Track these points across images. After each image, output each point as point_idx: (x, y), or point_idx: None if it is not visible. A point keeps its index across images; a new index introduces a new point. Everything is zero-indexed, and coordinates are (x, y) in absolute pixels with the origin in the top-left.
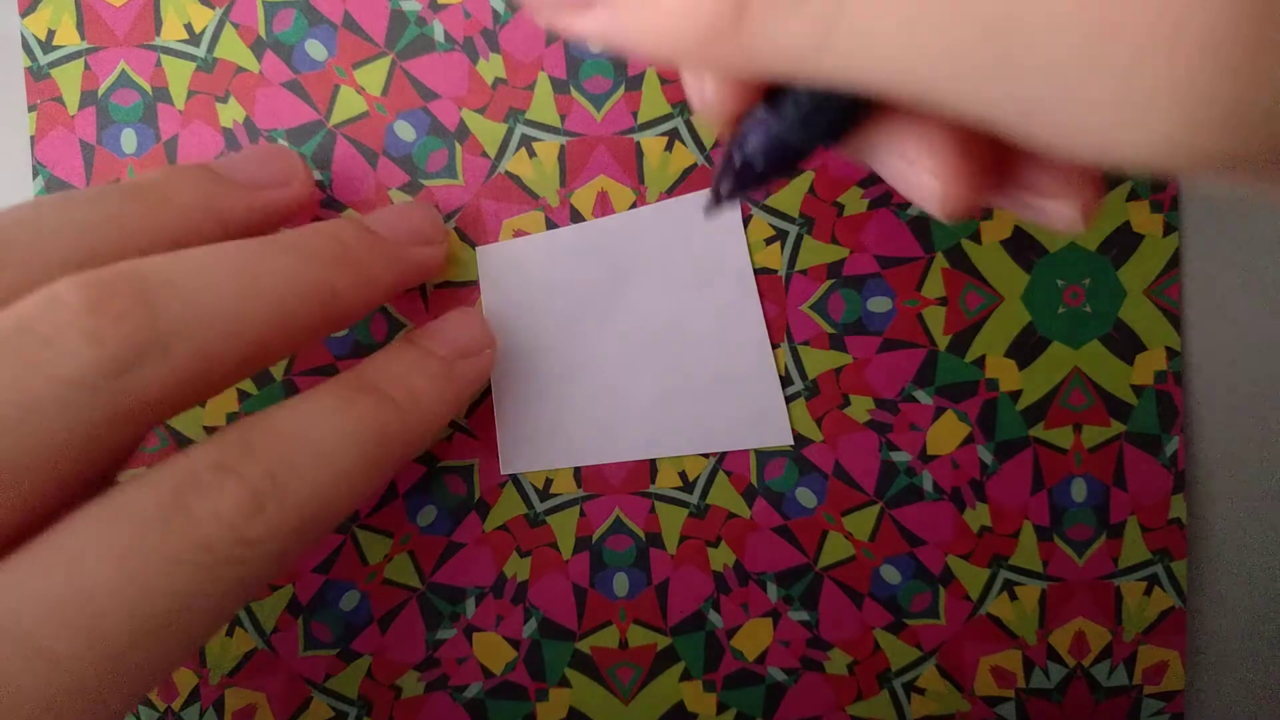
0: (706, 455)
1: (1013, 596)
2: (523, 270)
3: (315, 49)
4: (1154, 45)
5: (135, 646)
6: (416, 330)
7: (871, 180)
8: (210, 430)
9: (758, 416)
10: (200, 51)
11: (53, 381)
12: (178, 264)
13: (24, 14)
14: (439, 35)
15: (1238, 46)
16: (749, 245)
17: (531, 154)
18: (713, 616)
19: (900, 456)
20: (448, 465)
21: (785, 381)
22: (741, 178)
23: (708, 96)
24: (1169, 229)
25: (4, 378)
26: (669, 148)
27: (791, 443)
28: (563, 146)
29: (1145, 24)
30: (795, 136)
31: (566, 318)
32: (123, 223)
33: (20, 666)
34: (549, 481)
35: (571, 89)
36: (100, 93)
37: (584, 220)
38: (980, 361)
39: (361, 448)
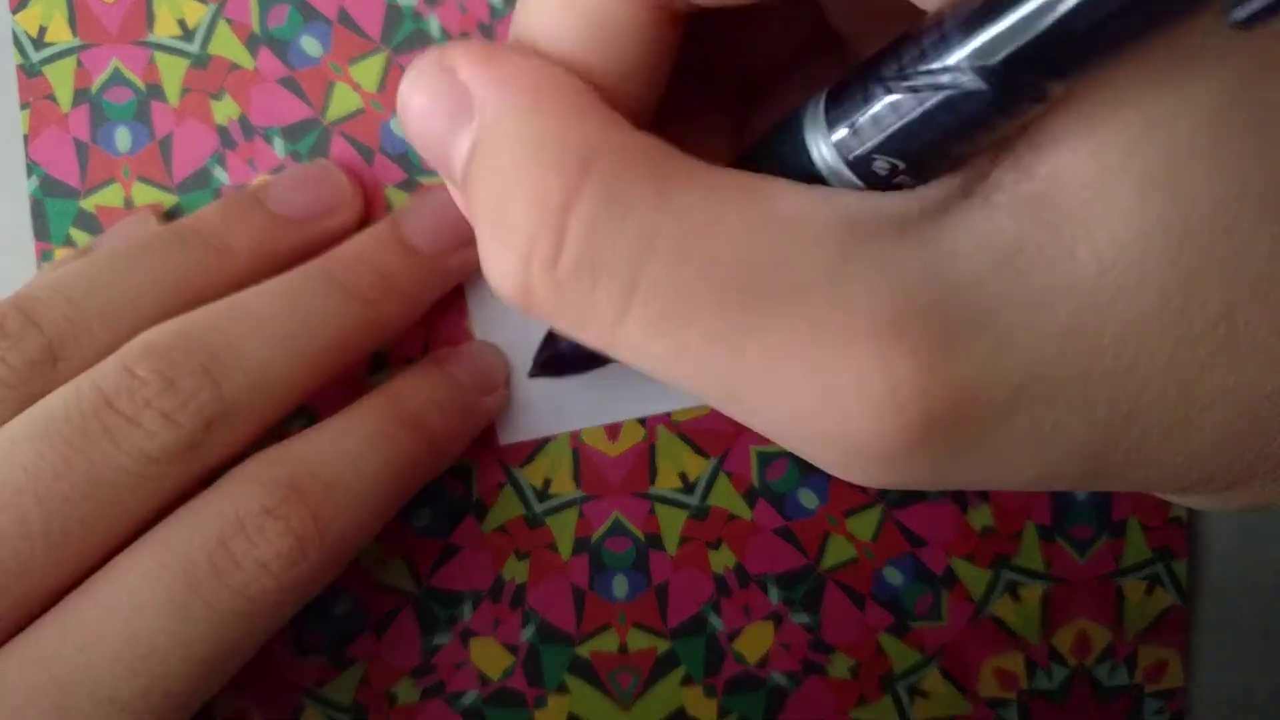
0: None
1: (1015, 597)
2: None
3: (310, 45)
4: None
5: (189, 692)
6: (446, 356)
7: None
8: None
9: None
10: (194, 48)
11: (134, 458)
12: (236, 322)
13: (15, 11)
14: (435, 30)
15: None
16: None
17: None
18: (713, 619)
19: None
20: None
21: None
22: (550, 365)
23: None
24: None
25: (94, 453)
26: None
27: None
28: None
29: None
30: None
31: None
32: (189, 278)
33: (97, 717)
34: (548, 482)
35: None
36: (93, 90)
37: None
38: None
39: (397, 482)
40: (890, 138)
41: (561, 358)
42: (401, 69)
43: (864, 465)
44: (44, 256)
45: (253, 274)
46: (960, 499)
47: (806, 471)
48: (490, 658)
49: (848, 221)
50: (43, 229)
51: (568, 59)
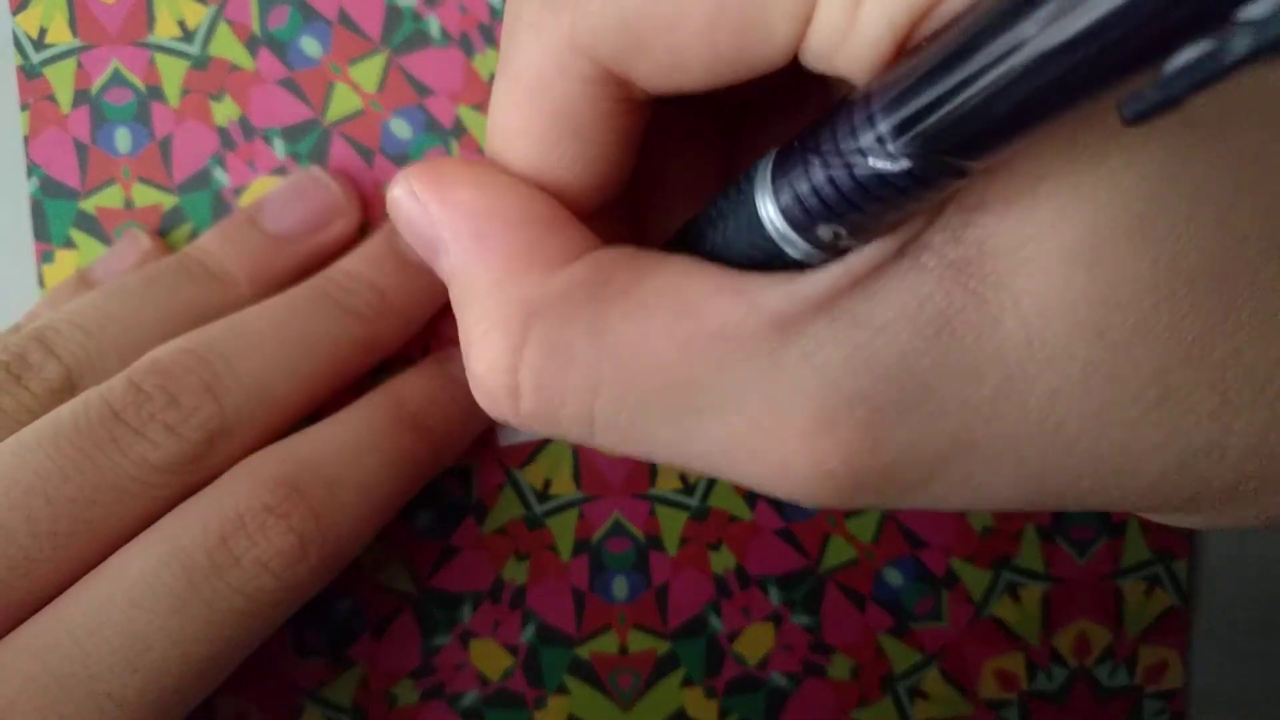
0: None
1: (1015, 598)
2: None
3: (310, 46)
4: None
5: (186, 689)
6: (447, 356)
7: None
8: None
9: None
10: (194, 49)
11: (139, 466)
12: (236, 341)
13: (15, 12)
14: (435, 30)
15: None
16: None
17: None
18: (714, 620)
19: None
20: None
21: None
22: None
23: None
24: None
25: (101, 460)
26: None
27: None
28: None
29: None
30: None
31: None
32: (195, 307)
33: (93, 710)
34: (548, 482)
35: None
36: (93, 91)
37: None
38: None
39: (398, 481)
40: (828, 207)
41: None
42: (401, 69)
43: (813, 505)
44: (44, 257)
45: (255, 297)
46: None
47: None
48: (490, 659)
49: (777, 323)
50: (43, 229)
51: (534, 156)
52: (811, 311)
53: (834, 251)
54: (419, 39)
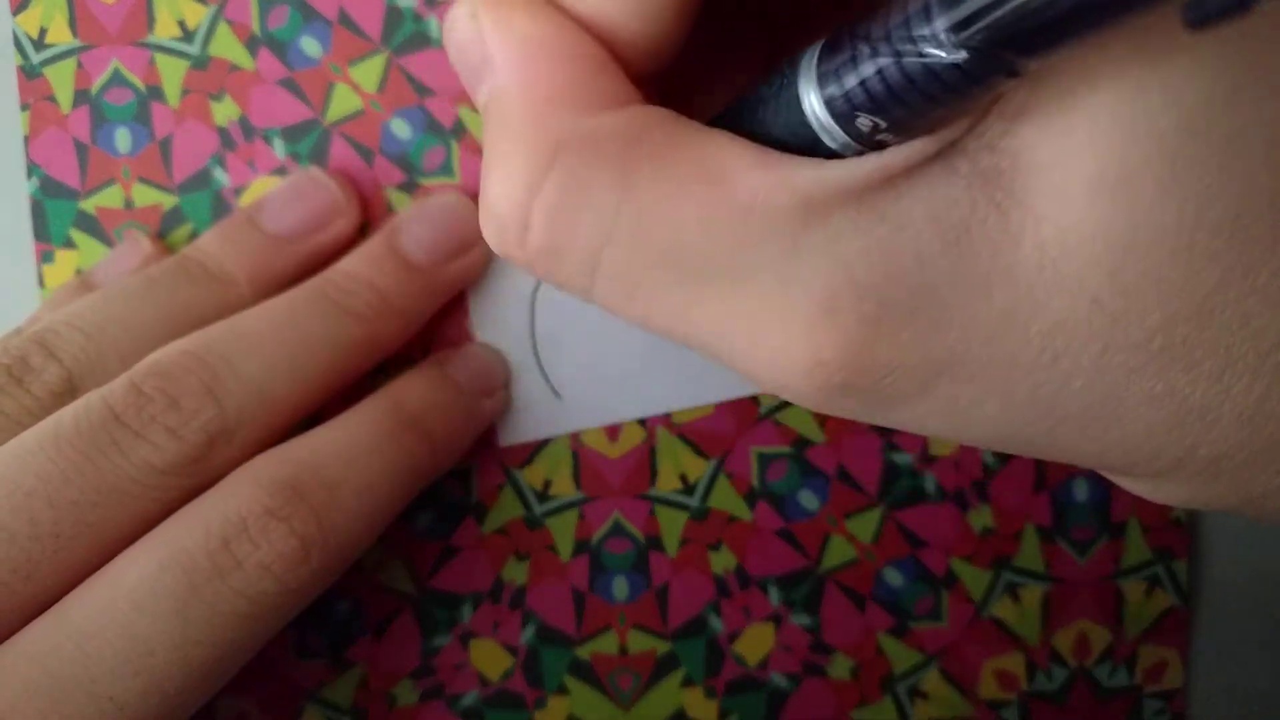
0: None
1: (1015, 598)
2: None
3: (310, 46)
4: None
5: (187, 692)
6: (447, 358)
7: None
8: None
9: None
10: (194, 49)
11: (140, 469)
12: (237, 343)
13: (15, 12)
14: (435, 31)
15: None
16: None
17: None
18: (714, 621)
19: (903, 458)
20: None
21: None
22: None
23: None
24: None
25: (102, 463)
26: None
27: None
28: None
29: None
30: None
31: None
32: (196, 309)
33: (94, 714)
34: (548, 483)
35: None
36: (93, 91)
37: None
38: None
39: (399, 484)
40: (872, 98)
41: None
42: (401, 70)
43: (793, 399)
44: (44, 257)
45: (255, 297)
46: (960, 500)
47: (807, 473)
48: (490, 659)
49: (804, 203)
50: (42, 230)
51: (589, 3)
52: (840, 199)
53: (871, 145)
54: (419, 39)
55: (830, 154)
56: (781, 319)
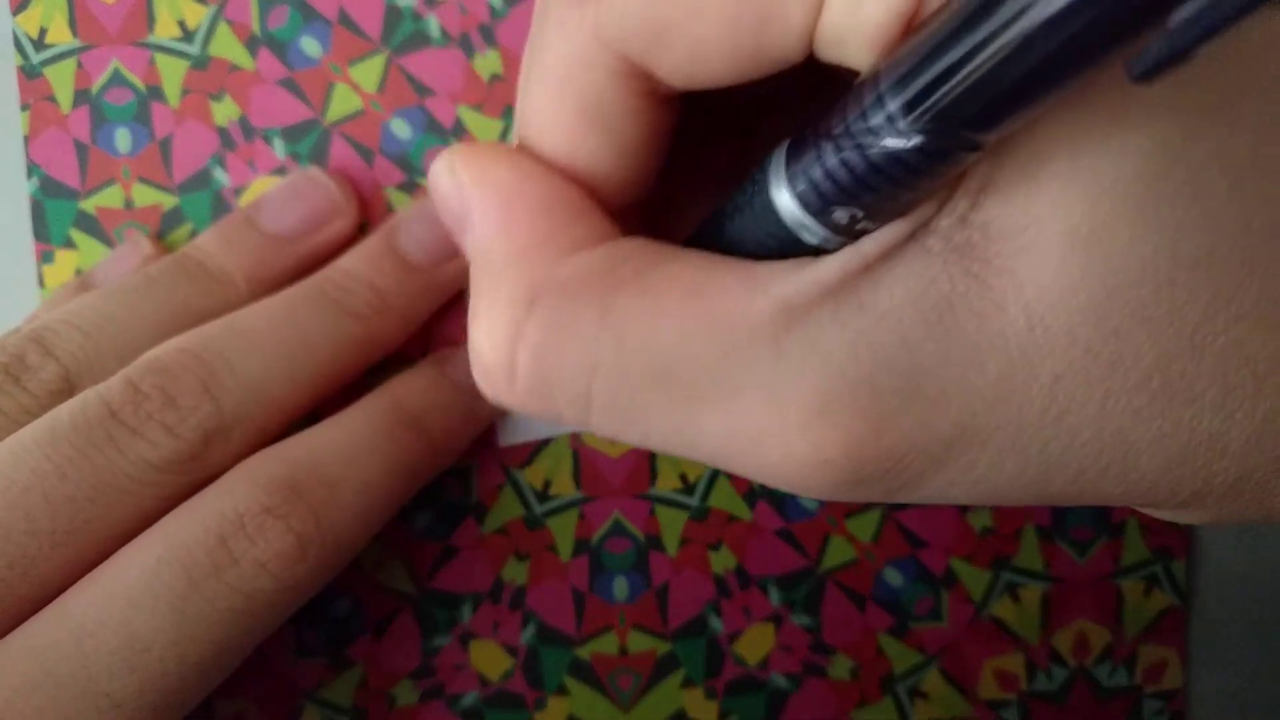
0: None
1: (1015, 598)
2: None
3: (310, 46)
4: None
5: (184, 690)
6: (446, 357)
7: None
8: None
9: None
10: (194, 49)
11: (137, 465)
12: (234, 340)
13: (16, 12)
14: (435, 31)
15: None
16: None
17: None
18: (714, 621)
19: None
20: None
21: None
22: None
23: None
24: None
25: (99, 459)
26: None
27: None
28: None
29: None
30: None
31: None
32: (194, 307)
33: (91, 711)
34: (548, 483)
35: None
36: (93, 91)
37: None
38: None
39: (397, 482)
40: (842, 190)
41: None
42: (401, 70)
43: (814, 495)
44: (44, 257)
45: (253, 297)
46: None
47: None
48: (490, 659)
49: (783, 307)
50: (42, 230)
51: (565, 147)
52: (818, 297)
53: (852, 235)
54: (419, 39)
55: (813, 250)
56: (779, 426)
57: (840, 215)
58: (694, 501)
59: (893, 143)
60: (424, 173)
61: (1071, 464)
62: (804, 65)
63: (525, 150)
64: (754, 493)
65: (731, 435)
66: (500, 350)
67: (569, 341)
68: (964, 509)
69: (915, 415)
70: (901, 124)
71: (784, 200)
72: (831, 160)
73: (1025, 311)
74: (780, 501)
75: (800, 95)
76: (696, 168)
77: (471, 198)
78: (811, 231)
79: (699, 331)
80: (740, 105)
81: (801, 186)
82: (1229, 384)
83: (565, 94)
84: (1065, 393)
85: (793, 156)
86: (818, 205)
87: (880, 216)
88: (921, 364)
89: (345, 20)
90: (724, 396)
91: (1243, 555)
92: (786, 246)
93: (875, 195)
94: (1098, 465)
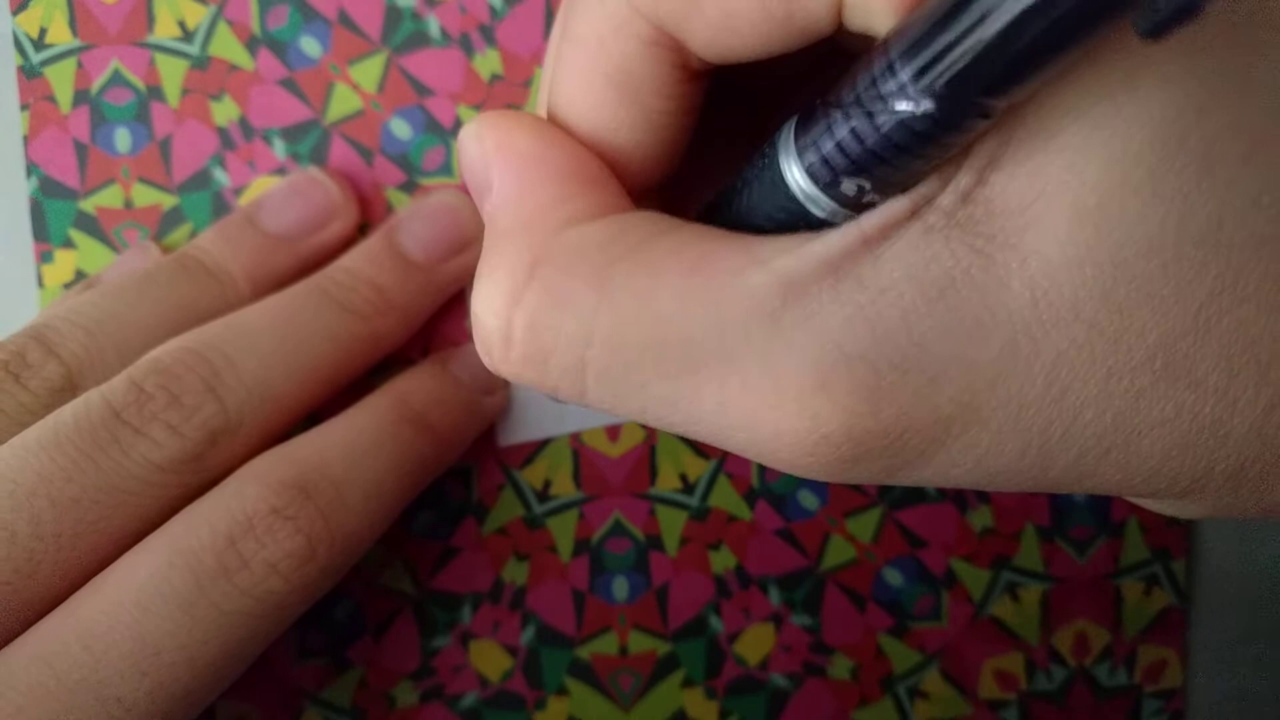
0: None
1: (1015, 598)
2: None
3: (310, 46)
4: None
5: (194, 692)
6: (448, 356)
7: None
8: None
9: None
10: (194, 49)
11: (142, 466)
12: (236, 339)
13: (15, 12)
14: (434, 31)
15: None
16: None
17: None
18: (714, 621)
19: None
20: None
21: None
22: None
23: None
24: None
25: (103, 461)
26: None
27: None
28: None
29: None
30: None
31: None
32: (194, 305)
33: (101, 716)
34: (548, 483)
35: None
36: (93, 91)
37: None
38: None
39: (403, 480)
40: (852, 160)
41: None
42: (401, 70)
43: (809, 476)
44: (43, 257)
45: (253, 296)
46: (960, 500)
47: None
48: (490, 660)
49: (783, 283)
50: (42, 229)
51: (593, 119)
52: (818, 273)
53: (859, 208)
54: (419, 39)
55: (820, 223)
56: (775, 400)
57: (848, 187)
58: (694, 501)
59: (904, 107)
60: (424, 173)
61: (1073, 447)
62: (826, 57)
63: (552, 120)
64: (754, 492)
65: (728, 409)
66: (498, 317)
67: (565, 311)
68: (964, 509)
69: (914, 391)
70: (912, 90)
71: (793, 172)
72: (842, 130)
73: (1029, 286)
74: (780, 501)
75: (821, 89)
76: (718, 159)
77: (493, 164)
78: (819, 205)
79: (697, 304)
80: (763, 93)
81: (811, 159)
82: (1232, 368)
83: (596, 61)
84: (1068, 370)
85: (802, 129)
86: (827, 177)
87: (888, 190)
88: (921, 340)
89: (345, 20)
90: (721, 370)
91: (1243, 555)
92: (794, 220)
93: (884, 166)
94: (1099, 448)
